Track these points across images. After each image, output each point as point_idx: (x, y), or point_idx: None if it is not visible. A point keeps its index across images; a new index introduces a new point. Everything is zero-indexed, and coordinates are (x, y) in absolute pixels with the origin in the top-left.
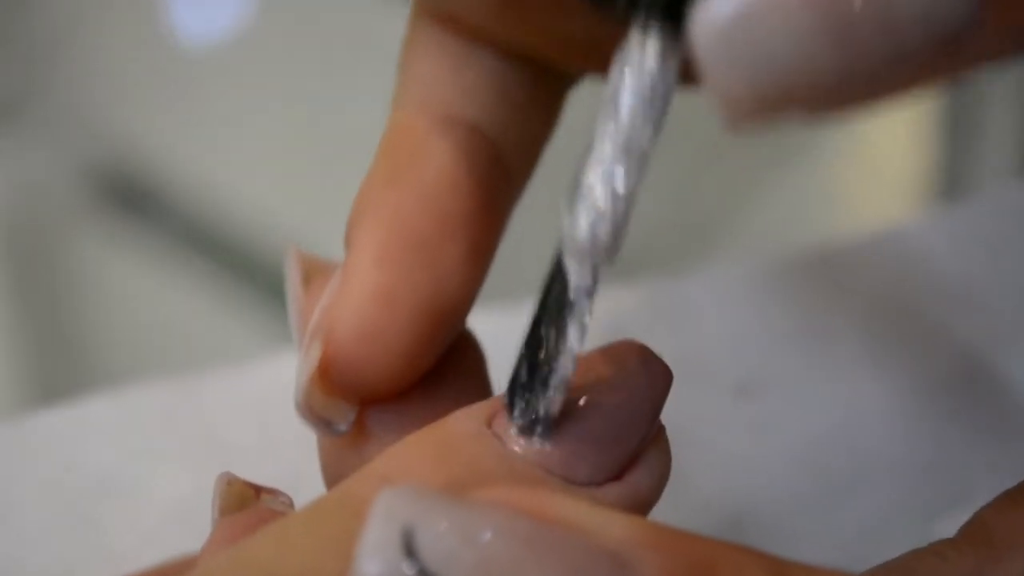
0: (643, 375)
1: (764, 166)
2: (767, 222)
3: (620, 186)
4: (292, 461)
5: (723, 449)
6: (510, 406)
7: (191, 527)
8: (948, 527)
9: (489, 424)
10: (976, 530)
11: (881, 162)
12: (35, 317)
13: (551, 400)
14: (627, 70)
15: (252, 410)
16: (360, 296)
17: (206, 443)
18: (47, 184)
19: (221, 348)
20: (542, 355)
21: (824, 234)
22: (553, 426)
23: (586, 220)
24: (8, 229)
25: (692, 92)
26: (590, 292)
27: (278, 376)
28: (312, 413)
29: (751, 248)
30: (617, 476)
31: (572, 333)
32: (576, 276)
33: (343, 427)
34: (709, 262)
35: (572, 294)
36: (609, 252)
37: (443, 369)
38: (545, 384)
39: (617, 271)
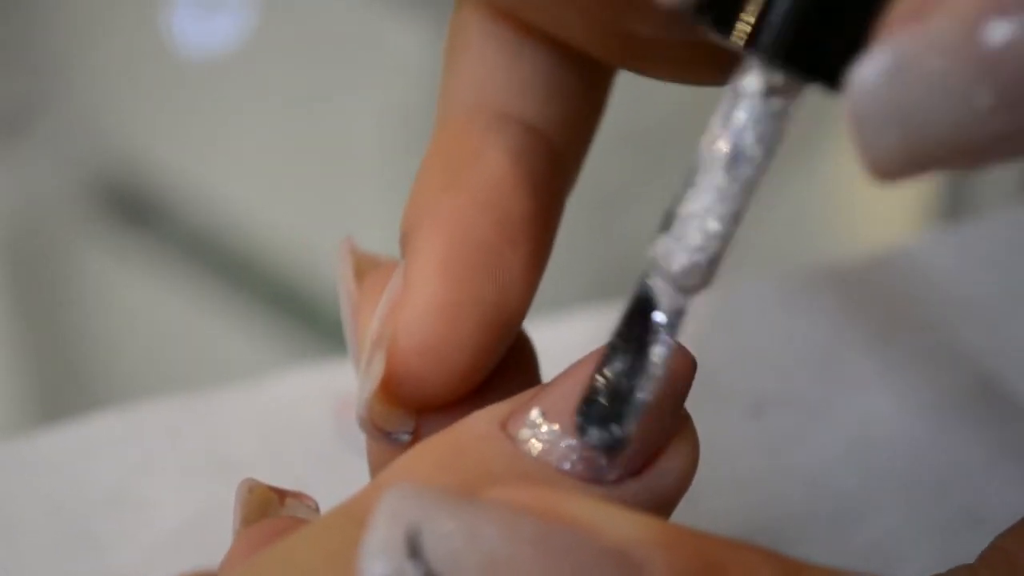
0: (664, 363)
1: (768, 184)
2: (771, 240)
3: (727, 219)
4: (298, 477)
5: (736, 467)
6: (587, 423)
7: (196, 544)
8: (962, 545)
9: (504, 425)
10: (996, 557)
11: None
12: (39, 329)
13: (631, 425)
14: (745, 106)
15: (257, 427)
16: (424, 308)
17: (211, 460)
18: (51, 197)
19: (225, 359)
20: (622, 379)
21: (827, 251)
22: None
23: (687, 252)
24: (12, 241)
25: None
26: (678, 319)
27: (285, 392)
28: (374, 425)
29: (754, 266)
30: (638, 472)
31: (656, 359)
32: (666, 302)
33: (405, 437)
34: (717, 278)
35: (660, 319)
36: (705, 282)
37: (496, 369)
38: (625, 409)
39: (622, 288)
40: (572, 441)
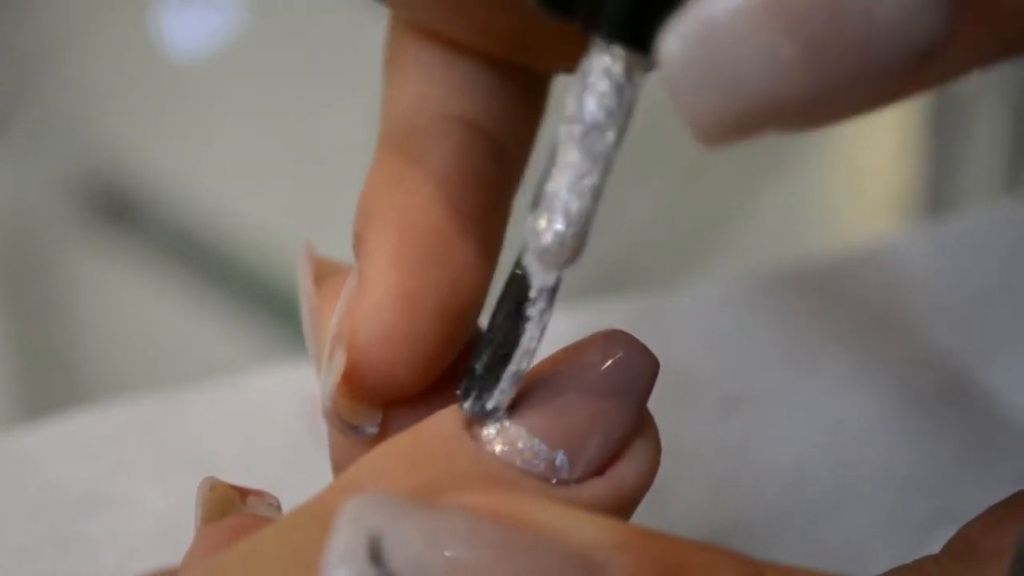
0: (627, 364)
1: (749, 181)
2: (752, 237)
3: (587, 192)
4: (275, 475)
5: (708, 464)
6: (463, 396)
7: (175, 542)
8: (933, 542)
9: (468, 425)
10: (960, 546)
11: (867, 177)
12: (23, 329)
13: (502, 396)
14: (592, 78)
15: (235, 425)
16: (380, 300)
17: (189, 458)
18: (36, 197)
19: (210, 360)
20: (498, 350)
21: (809, 249)
22: (508, 415)
23: (551, 225)
24: None
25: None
26: (552, 294)
27: (261, 391)
28: (340, 420)
29: (736, 262)
30: (599, 471)
31: (529, 333)
32: (538, 278)
33: (371, 430)
34: (694, 276)
35: (533, 294)
36: (573, 256)
37: (455, 365)
38: (497, 379)
39: (602, 285)
40: (535, 441)
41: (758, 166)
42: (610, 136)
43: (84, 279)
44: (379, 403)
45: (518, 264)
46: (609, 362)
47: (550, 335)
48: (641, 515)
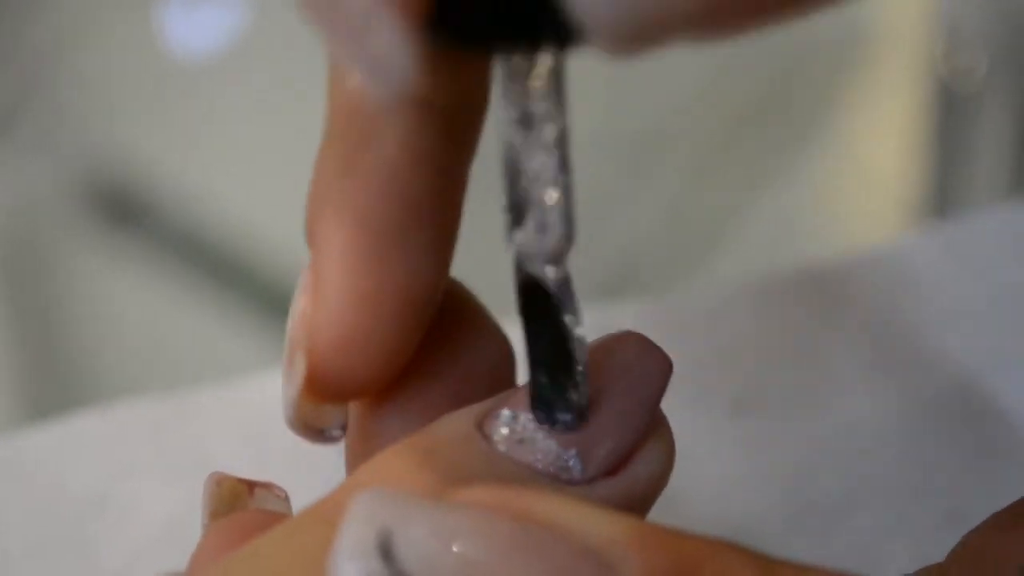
0: (640, 364)
1: (754, 182)
2: (757, 238)
3: (560, 184)
4: (283, 477)
5: (716, 467)
6: (545, 421)
7: (181, 544)
8: (942, 547)
9: (480, 425)
10: (964, 554)
11: (872, 178)
12: (28, 331)
13: (580, 396)
14: (519, 93)
15: (243, 426)
16: (337, 301)
17: (196, 460)
18: (41, 198)
19: (216, 362)
20: (554, 362)
21: (815, 252)
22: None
23: (549, 232)
24: (1, 243)
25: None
26: (569, 285)
27: (269, 391)
28: (305, 426)
29: (741, 264)
30: (612, 472)
31: (572, 327)
32: (552, 278)
33: (336, 432)
34: (699, 278)
35: (556, 293)
36: (571, 244)
37: (474, 371)
38: (569, 385)
39: (607, 286)
40: (548, 442)
41: (763, 168)
42: (556, 121)
43: (89, 280)
44: (342, 404)
45: (524, 277)
46: (622, 363)
47: None
48: (650, 517)
